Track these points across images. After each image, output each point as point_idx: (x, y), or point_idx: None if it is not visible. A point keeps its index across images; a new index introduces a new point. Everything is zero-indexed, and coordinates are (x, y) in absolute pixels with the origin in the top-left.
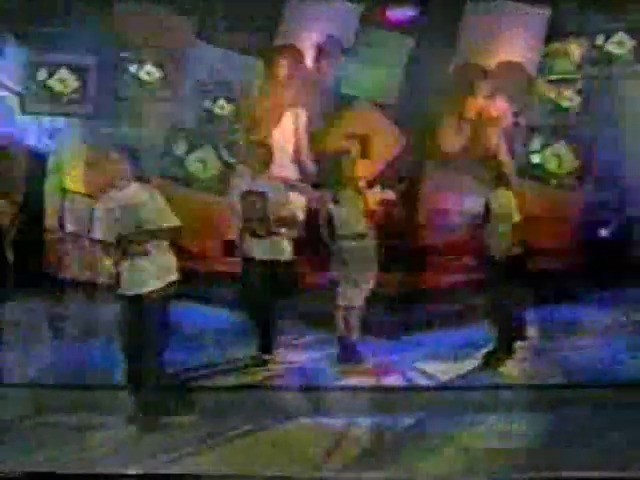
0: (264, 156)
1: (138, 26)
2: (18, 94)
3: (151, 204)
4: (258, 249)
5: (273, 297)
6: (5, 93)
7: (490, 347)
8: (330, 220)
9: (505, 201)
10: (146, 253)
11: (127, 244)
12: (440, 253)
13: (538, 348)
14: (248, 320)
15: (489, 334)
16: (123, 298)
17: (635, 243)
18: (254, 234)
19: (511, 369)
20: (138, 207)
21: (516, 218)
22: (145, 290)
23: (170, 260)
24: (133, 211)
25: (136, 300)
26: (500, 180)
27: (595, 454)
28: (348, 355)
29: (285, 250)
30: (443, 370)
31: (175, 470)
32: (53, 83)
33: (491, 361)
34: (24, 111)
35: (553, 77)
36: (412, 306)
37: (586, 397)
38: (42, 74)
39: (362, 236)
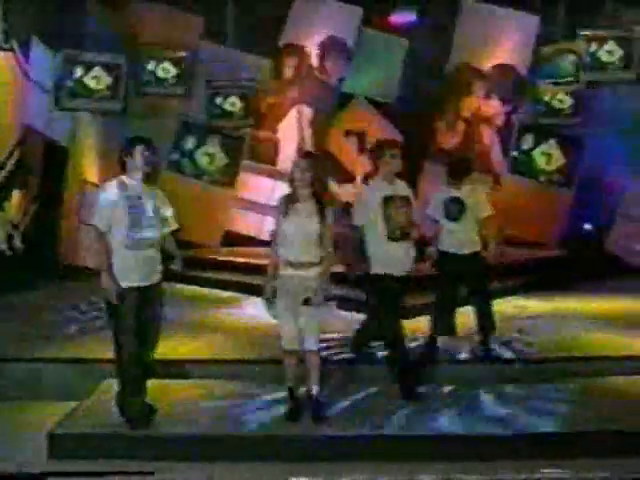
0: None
1: (154, 26)
2: (52, 90)
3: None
4: (401, 253)
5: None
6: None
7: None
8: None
9: (477, 196)
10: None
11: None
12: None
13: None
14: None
15: None
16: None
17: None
18: (397, 239)
19: None
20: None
21: (487, 213)
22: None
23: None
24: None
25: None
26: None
27: None
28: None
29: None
30: None
31: None
32: (88, 80)
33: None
34: (59, 107)
35: (551, 80)
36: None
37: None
38: (78, 71)
39: (310, 265)
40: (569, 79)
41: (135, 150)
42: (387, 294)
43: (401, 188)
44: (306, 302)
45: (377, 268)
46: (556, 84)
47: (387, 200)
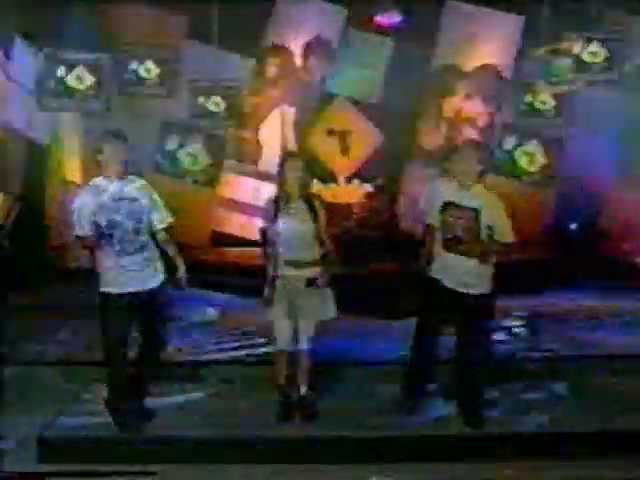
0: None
1: (137, 25)
2: (34, 91)
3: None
4: (458, 268)
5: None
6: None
7: None
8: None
9: None
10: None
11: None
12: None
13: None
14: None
15: None
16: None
17: (598, 239)
18: (451, 249)
19: None
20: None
21: None
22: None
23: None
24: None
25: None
26: None
27: None
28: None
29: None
30: None
31: None
32: (71, 80)
33: None
34: (41, 106)
35: (536, 80)
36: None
37: None
38: (60, 71)
39: (309, 264)
40: (554, 80)
41: (105, 145)
42: (431, 302)
43: (470, 197)
44: (310, 284)
45: (433, 272)
46: (541, 85)
47: (446, 205)
